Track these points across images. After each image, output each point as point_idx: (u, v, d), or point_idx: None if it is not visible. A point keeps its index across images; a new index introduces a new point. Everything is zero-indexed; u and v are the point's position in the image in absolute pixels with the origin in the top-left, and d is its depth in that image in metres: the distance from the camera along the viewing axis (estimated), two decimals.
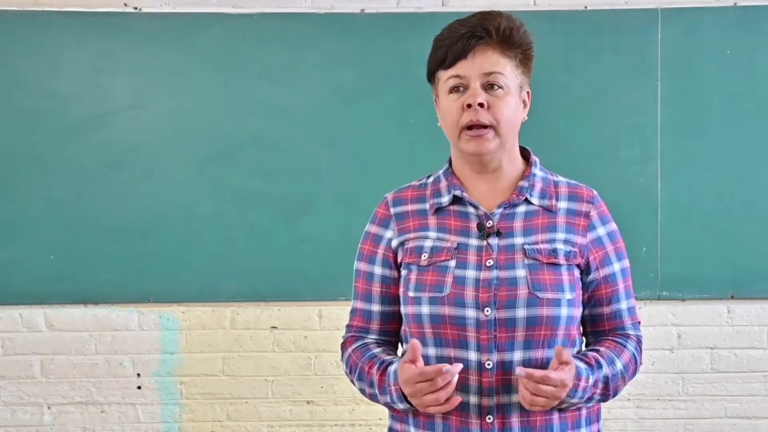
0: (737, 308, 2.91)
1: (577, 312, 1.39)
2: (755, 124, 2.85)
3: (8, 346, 2.90)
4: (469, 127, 1.35)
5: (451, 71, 1.37)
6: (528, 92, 1.43)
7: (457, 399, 1.27)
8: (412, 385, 1.27)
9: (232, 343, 2.93)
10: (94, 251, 2.84)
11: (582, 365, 1.33)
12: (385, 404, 1.40)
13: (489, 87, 1.35)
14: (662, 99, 2.84)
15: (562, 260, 1.37)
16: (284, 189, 2.86)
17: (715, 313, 2.92)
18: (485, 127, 1.35)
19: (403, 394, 1.32)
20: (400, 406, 1.35)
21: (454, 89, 1.37)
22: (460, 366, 1.26)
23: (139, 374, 2.92)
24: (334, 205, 2.86)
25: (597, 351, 1.40)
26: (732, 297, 2.90)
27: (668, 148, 2.85)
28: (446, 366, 1.24)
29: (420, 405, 1.29)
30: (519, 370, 1.25)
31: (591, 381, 1.33)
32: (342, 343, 1.52)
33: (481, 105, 1.34)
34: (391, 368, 1.36)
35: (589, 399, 1.35)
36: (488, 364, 1.32)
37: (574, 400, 1.32)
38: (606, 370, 1.36)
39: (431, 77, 1.44)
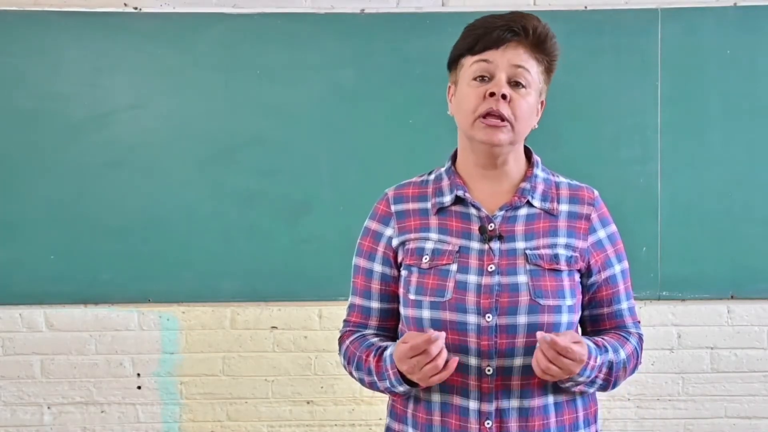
0: (737, 308, 2.91)
1: (577, 317, 1.40)
2: (755, 124, 2.85)
3: (8, 346, 2.90)
4: (486, 116, 1.34)
5: (479, 56, 1.35)
6: (542, 101, 1.43)
7: (455, 360, 1.27)
8: (408, 361, 1.27)
9: (232, 343, 2.93)
10: (94, 251, 2.84)
11: (592, 344, 1.33)
12: (386, 390, 1.39)
13: (514, 83, 1.34)
14: (662, 99, 2.84)
15: (563, 266, 1.36)
16: (284, 189, 2.86)
17: (715, 313, 2.92)
18: (502, 119, 1.34)
19: (401, 375, 1.32)
20: (400, 388, 1.35)
21: (478, 77, 1.35)
22: (443, 334, 1.25)
23: (139, 374, 2.92)
24: (334, 205, 2.85)
25: (602, 338, 1.40)
26: (732, 297, 2.90)
27: (668, 148, 2.85)
28: (433, 333, 1.24)
29: (422, 379, 1.28)
30: (541, 335, 1.23)
31: (599, 361, 1.33)
32: (339, 337, 1.52)
33: (504, 96, 1.33)
34: (387, 353, 1.36)
35: (592, 382, 1.35)
36: (488, 370, 1.32)
37: (581, 379, 1.31)
38: (611, 355, 1.36)
39: (454, 63, 1.42)
